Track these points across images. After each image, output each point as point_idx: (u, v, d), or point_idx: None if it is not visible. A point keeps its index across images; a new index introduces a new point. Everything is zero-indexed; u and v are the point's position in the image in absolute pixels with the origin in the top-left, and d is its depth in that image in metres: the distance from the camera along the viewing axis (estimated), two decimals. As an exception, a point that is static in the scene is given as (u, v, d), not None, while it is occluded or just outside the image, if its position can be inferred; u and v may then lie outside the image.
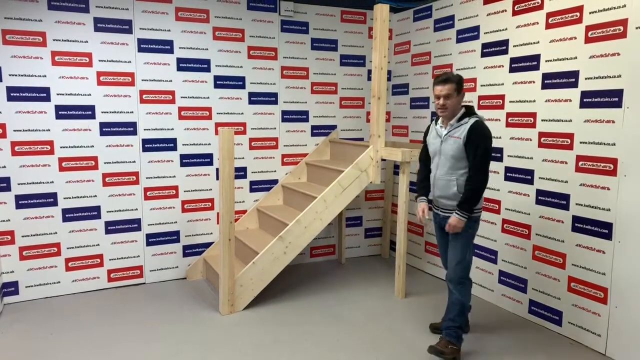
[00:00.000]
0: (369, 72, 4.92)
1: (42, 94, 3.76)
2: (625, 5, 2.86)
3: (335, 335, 3.32)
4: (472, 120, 2.87)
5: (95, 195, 4.02)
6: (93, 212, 4.02)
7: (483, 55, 3.90)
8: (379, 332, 3.33)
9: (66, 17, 3.78)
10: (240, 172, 4.53)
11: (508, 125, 3.68)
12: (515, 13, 3.60)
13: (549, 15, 3.34)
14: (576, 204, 3.19)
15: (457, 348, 2.99)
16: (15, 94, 3.69)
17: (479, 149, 2.81)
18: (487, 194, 3.88)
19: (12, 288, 3.82)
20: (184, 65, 4.20)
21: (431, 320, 3.53)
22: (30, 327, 3.40)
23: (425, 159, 3.20)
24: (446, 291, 4.10)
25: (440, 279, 4.43)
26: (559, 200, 3.30)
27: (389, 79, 4.99)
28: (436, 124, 3.06)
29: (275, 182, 4.71)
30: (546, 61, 3.37)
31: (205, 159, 4.39)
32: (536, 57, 3.44)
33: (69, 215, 3.95)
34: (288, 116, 4.69)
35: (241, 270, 3.68)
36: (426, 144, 3.15)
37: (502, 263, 3.79)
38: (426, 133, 3.18)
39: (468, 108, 2.96)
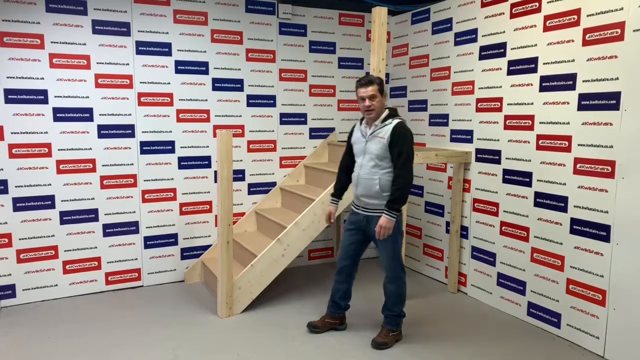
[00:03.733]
0: (367, 74, 4.92)
1: (39, 96, 3.76)
2: (622, 8, 2.87)
3: (335, 338, 3.31)
4: (395, 121, 2.99)
5: (93, 198, 4.01)
6: (91, 215, 4.01)
7: (481, 58, 3.91)
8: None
9: (64, 20, 3.77)
10: (239, 175, 4.53)
11: (506, 127, 3.69)
12: (513, 16, 3.61)
13: (546, 18, 3.35)
14: (574, 206, 3.20)
15: (397, 332, 3.21)
16: (13, 96, 3.68)
17: (403, 149, 2.91)
18: (486, 196, 3.89)
19: (9, 291, 3.80)
20: (182, 67, 4.20)
21: (434, 322, 3.53)
22: (27, 331, 3.38)
23: (347, 160, 3.26)
24: (445, 293, 4.13)
25: (439, 282, 4.43)
26: (557, 203, 3.31)
27: (387, 82, 4.99)
28: (360, 125, 3.16)
29: (273, 184, 4.71)
30: (544, 64, 3.38)
31: (204, 162, 4.38)
32: (534, 60, 3.45)
33: (67, 217, 3.93)
34: (286, 119, 4.69)
35: (239, 273, 3.67)
36: (350, 145, 3.22)
37: (501, 265, 3.79)
38: (350, 134, 3.25)
39: (392, 110, 3.08)
